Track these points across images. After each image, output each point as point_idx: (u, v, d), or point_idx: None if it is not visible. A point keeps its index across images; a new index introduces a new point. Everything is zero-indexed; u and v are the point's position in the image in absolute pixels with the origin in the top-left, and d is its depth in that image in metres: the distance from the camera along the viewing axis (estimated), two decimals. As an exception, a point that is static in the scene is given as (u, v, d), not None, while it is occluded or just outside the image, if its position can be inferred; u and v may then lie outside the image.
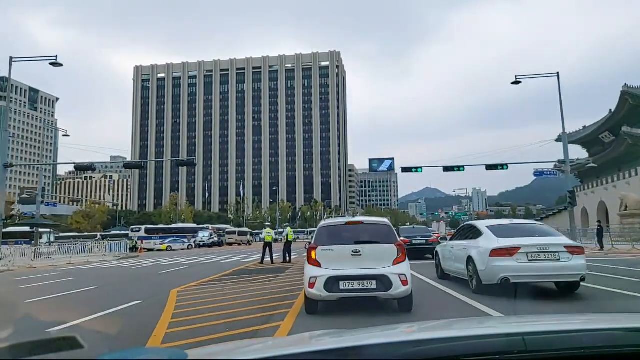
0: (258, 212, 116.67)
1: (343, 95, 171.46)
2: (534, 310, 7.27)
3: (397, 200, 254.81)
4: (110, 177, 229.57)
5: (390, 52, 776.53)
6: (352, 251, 7.23)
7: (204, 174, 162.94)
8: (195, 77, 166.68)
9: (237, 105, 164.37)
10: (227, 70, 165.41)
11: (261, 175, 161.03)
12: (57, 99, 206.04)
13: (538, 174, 32.40)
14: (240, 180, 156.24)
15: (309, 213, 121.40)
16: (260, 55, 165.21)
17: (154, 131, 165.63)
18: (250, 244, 64.27)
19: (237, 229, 61.15)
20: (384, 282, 6.94)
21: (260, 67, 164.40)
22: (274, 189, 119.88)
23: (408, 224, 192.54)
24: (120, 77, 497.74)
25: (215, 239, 52.85)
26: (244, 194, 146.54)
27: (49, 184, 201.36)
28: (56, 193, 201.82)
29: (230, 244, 60.03)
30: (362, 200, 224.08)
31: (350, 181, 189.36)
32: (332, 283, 7.03)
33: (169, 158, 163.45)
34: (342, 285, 7.01)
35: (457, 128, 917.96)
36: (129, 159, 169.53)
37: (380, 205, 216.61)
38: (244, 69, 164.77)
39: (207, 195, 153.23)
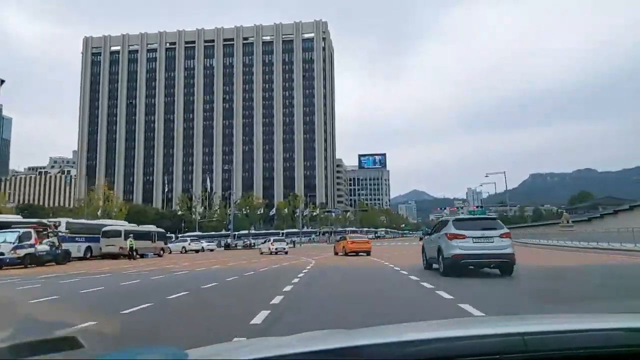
0: (218, 209, 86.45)
1: (330, 73, 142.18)
2: None
3: (389, 200, 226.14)
4: (68, 172, 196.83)
5: (381, 50, 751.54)
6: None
7: (164, 165, 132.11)
8: (155, 50, 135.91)
9: (205, 84, 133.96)
10: (194, 42, 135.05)
11: (233, 167, 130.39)
12: (3, 82, 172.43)
13: None
14: (207, 172, 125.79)
15: (286, 210, 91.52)
16: (233, 25, 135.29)
17: (105, 114, 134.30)
18: (161, 255, 34.17)
19: (123, 227, 30.85)
20: None
21: (232, 39, 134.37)
22: (227, 172, 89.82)
23: (403, 225, 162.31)
24: (72, 54, 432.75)
25: (46, 247, 22.46)
26: (211, 189, 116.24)
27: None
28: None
29: (114, 256, 29.84)
30: (351, 200, 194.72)
31: (337, 177, 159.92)
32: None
33: (123, 146, 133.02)
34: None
35: (452, 128, 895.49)
36: (74, 147, 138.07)
37: (371, 204, 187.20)
38: (213, 41, 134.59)
39: (166, 190, 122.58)
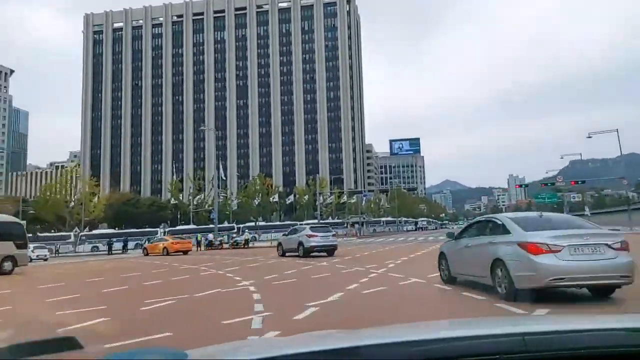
0: (223, 197, 69.59)
1: (357, 43, 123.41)
2: None
3: (425, 189, 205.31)
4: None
5: (408, 32, 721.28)
6: None
7: (174, 151, 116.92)
8: (160, 25, 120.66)
9: (216, 60, 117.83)
10: (202, 13, 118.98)
11: (248, 151, 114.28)
12: (12, 72, 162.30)
13: None
14: (220, 158, 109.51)
15: (306, 197, 74.07)
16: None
17: (109, 98, 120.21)
18: (7, 272, 16.90)
19: None
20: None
21: (245, 8, 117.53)
22: (242, 157, 72.86)
23: (442, 215, 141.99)
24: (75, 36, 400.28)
25: None
26: (227, 177, 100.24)
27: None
28: (6, 186, 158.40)
29: None
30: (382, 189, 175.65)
31: (367, 164, 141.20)
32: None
33: (129, 132, 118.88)
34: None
35: (484, 117, 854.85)
36: (78, 136, 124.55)
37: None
38: (223, 11, 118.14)
39: (175, 179, 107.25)
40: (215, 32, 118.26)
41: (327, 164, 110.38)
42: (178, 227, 57.28)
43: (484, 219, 8.64)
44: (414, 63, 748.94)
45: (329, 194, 73.94)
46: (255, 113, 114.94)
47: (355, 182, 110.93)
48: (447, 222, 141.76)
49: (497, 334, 1.12)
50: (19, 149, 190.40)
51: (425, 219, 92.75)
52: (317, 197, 52.83)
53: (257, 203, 70.11)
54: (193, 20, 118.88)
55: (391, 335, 1.20)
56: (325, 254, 20.17)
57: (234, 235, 39.52)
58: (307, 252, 19.68)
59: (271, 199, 70.40)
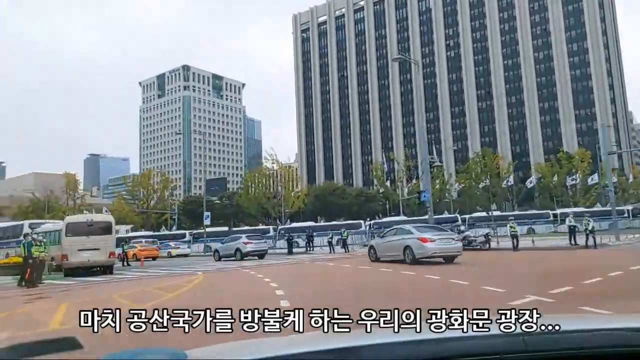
0: (439, 181, 55.58)
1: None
2: None
3: None
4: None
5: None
6: None
7: (382, 140, 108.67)
8: (362, 8, 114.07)
9: (422, 33, 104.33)
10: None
11: (466, 131, 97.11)
12: (243, 85, 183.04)
13: None
14: (433, 142, 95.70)
15: (555, 178, 53.71)
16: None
17: (318, 93, 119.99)
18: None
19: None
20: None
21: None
22: (459, 139, 56.96)
23: None
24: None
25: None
26: (442, 162, 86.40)
27: (235, 174, 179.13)
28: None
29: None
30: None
31: (632, 137, 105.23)
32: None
33: (338, 125, 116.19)
34: None
35: None
36: (295, 136, 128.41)
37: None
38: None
39: (386, 169, 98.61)
40: (420, 3, 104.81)
41: (574, 138, 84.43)
42: (384, 219, 46.25)
43: (398, 227, 17.18)
44: None
45: (583, 169, 51.85)
46: (471, 85, 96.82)
47: (620, 157, 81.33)
48: None
49: (497, 334, 1.10)
50: (255, 154, 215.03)
51: None
52: (577, 177, 33.99)
53: (482, 187, 53.84)
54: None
55: (391, 335, 1.17)
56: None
57: (462, 228, 25.69)
58: (244, 256, 24.23)
59: (505, 182, 52.92)
